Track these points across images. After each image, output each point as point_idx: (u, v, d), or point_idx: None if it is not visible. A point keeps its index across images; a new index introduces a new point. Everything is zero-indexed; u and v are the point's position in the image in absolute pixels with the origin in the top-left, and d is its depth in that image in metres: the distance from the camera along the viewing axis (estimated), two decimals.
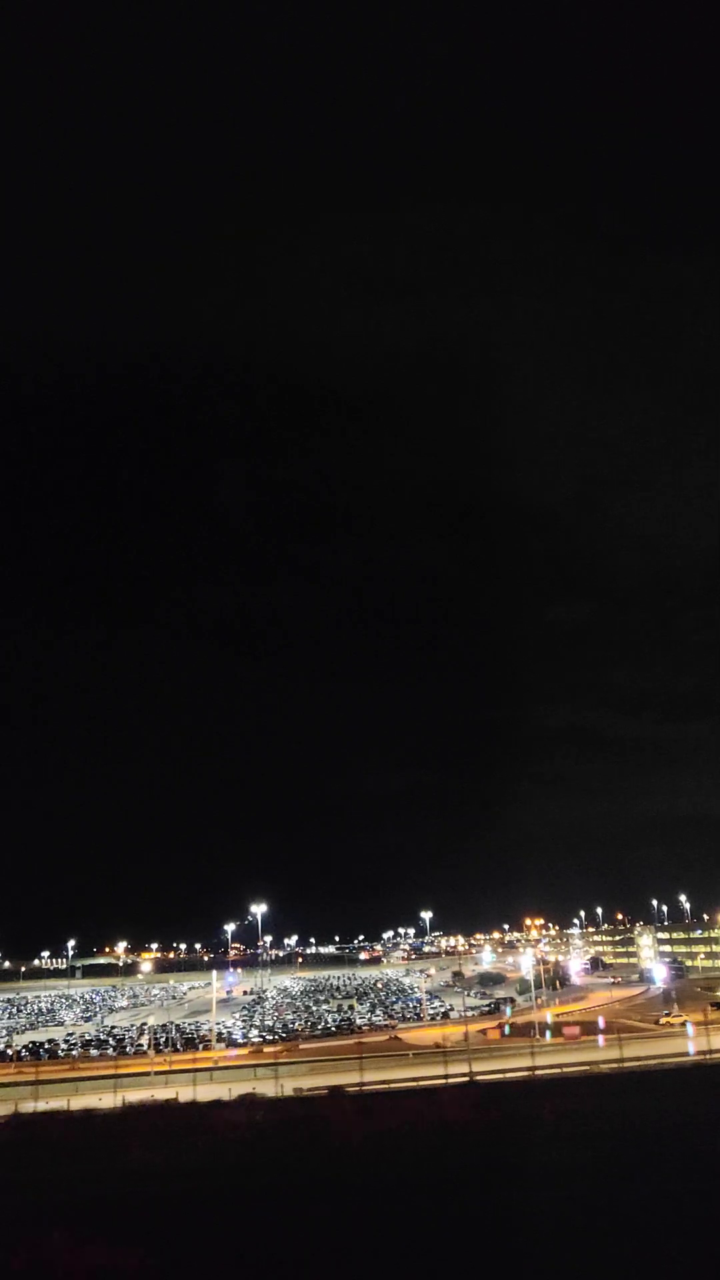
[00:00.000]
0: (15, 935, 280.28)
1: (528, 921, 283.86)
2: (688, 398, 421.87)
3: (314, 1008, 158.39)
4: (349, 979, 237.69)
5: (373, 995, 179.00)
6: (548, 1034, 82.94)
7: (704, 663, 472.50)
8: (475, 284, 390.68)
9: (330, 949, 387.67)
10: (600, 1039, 74.38)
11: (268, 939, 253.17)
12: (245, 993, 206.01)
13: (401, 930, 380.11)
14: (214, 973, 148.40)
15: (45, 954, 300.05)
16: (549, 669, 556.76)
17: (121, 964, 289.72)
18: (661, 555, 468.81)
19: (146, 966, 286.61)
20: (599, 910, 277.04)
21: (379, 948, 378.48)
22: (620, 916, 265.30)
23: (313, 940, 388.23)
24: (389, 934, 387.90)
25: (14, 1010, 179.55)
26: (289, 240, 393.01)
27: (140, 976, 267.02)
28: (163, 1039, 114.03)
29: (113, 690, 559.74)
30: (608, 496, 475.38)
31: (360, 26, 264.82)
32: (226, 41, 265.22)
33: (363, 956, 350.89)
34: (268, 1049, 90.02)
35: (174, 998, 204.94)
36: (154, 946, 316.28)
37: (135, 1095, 54.66)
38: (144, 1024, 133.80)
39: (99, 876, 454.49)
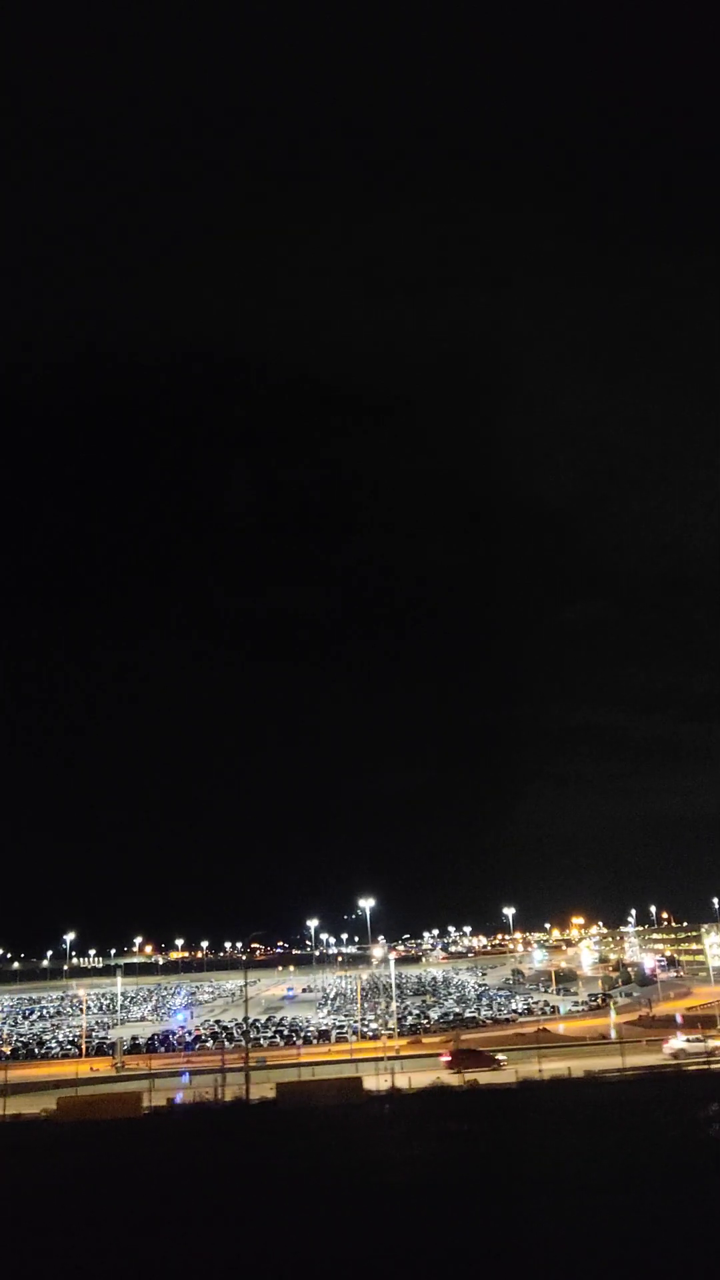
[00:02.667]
0: (41, 936, 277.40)
1: (575, 920, 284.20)
2: (696, 396, 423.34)
3: (397, 1004, 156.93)
4: (399, 978, 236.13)
5: (443, 993, 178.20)
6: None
7: (718, 661, 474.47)
8: (476, 284, 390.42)
9: (351, 949, 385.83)
10: None
11: (345, 936, 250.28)
12: (304, 990, 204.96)
13: (451, 928, 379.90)
14: (292, 969, 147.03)
15: (91, 953, 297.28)
16: (563, 668, 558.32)
17: (160, 963, 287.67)
18: (674, 554, 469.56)
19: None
20: (651, 909, 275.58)
21: (402, 947, 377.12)
22: (665, 915, 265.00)
23: (331, 940, 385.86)
24: (435, 932, 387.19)
25: (82, 1007, 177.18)
26: (290, 240, 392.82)
27: (187, 976, 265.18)
28: (286, 1032, 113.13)
29: (115, 692, 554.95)
30: (619, 495, 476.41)
31: (361, 25, 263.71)
32: (227, 41, 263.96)
33: (392, 956, 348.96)
34: (426, 1039, 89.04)
35: (241, 995, 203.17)
36: (189, 945, 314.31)
37: (422, 1078, 53.67)
38: (251, 1018, 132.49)
39: (111, 878, 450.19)
